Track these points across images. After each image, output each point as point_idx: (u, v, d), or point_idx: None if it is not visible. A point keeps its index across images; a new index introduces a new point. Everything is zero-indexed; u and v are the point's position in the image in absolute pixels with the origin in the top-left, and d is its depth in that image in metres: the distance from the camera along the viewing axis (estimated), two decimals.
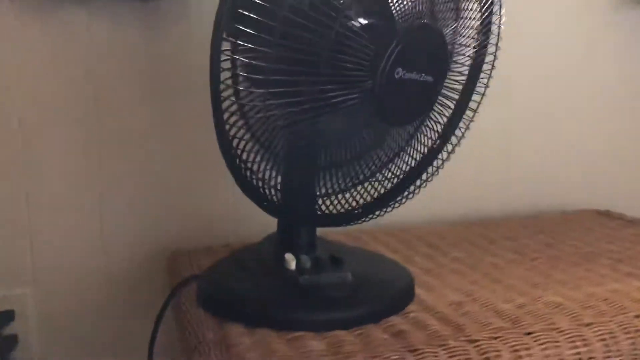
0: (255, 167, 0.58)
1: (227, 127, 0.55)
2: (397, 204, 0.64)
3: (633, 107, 1.10)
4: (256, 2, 0.49)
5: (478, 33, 0.62)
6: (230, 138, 0.55)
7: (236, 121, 0.57)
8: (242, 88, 0.55)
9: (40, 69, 0.83)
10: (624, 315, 0.61)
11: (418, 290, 0.68)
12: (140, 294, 0.90)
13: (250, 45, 0.50)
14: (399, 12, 0.53)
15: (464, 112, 0.66)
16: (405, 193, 0.64)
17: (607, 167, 1.11)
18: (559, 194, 1.09)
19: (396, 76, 0.50)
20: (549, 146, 1.07)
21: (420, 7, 0.55)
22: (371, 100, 0.50)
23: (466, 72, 0.58)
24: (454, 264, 0.79)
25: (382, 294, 0.64)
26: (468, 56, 0.62)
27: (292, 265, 0.64)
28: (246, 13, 0.49)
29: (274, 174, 0.61)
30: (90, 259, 0.88)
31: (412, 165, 0.67)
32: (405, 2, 0.52)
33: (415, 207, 0.93)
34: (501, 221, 1.01)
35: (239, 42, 0.51)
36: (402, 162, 0.66)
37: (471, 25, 0.55)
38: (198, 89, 0.89)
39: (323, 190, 0.66)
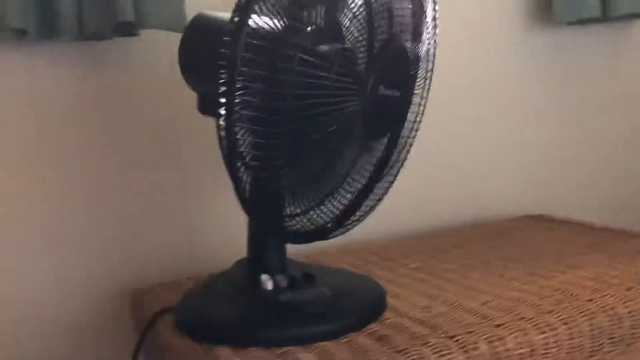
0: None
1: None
2: (364, 215, 0.67)
3: (552, 117, 1.21)
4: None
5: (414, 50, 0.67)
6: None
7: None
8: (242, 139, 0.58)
9: None
10: (578, 300, 0.67)
11: (388, 299, 0.71)
12: (104, 336, 0.88)
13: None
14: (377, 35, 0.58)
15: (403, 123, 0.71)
16: (370, 202, 0.67)
17: (534, 174, 1.20)
18: (492, 203, 1.17)
19: (379, 92, 0.54)
20: (480, 158, 1.15)
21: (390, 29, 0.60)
22: (360, 118, 0.55)
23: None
24: (414, 273, 0.83)
25: (358, 304, 0.66)
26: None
27: (269, 285, 0.66)
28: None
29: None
30: (47, 307, 0.85)
31: (367, 175, 0.70)
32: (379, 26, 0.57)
33: (366, 225, 0.98)
34: (444, 232, 1.07)
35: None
36: (357, 175, 0.70)
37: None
38: (148, 126, 0.90)
39: (290, 211, 0.69)
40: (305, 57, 0.56)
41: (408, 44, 0.59)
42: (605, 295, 0.68)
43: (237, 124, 0.59)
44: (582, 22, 1.16)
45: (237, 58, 0.56)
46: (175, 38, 0.70)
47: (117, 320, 0.89)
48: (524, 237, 0.98)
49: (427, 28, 0.61)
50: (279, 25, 0.57)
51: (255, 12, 0.57)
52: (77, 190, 0.86)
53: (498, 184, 1.17)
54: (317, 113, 0.59)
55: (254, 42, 0.56)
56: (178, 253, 0.93)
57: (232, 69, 0.56)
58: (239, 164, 0.60)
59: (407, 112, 0.59)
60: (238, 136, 0.60)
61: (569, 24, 1.16)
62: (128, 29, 0.83)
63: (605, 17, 1.12)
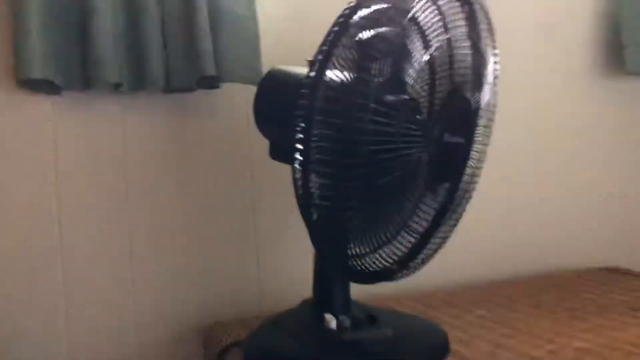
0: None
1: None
2: (427, 258, 0.69)
3: (625, 168, 1.18)
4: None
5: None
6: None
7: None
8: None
9: (78, 161, 0.89)
10: None
11: (452, 345, 0.72)
12: None
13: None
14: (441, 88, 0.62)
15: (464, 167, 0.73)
16: (433, 246, 0.69)
17: (612, 225, 1.17)
18: (564, 255, 1.14)
19: (444, 140, 0.58)
20: (551, 210, 1.14)
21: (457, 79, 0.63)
22: (426, 164, 0.58)
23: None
24: (480, 320, 0.83)
25: (420, 347, 0.67)
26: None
27: (333, 324, 0.68)
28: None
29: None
30: (123, 337, 0.91)
31: (430, 219, 0.72)
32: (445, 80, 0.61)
33: (433, 273, 0.98)
34: (514, 281, 1.05)
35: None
36: (421, 218, 0.72)
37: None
38: (225, 172, 0.96)
39: (356, 251, 0.71)
40: (376, 106, 0.60)
41: (469, 94, 0.62)
42: None
43: (311, 169, 0.63)
44: None
45: (314, 108, 0.60)
46: (253, 90, 0.76)
47: (189, 354, 0.93)
48: (597, 288, 0.96)
49: (488, 79, 0.64)
50: (349, 77, 0.62)
51: (329, 67, 0.62)
52: (158, 231, 0.93)
53: (574, 234, 1.14)
54: (385, 159, 0.62)
55: (329, 93, 0.61)
56: (249, 293, 0.97)
57: (309, 118, 0.60)
58: (311, 207, 0.63)
59: (469, 158, 0.61)
60: (311, 179, 0.64)
61: None
62: (210, 82, 0.90)
63: None
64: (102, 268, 0.90)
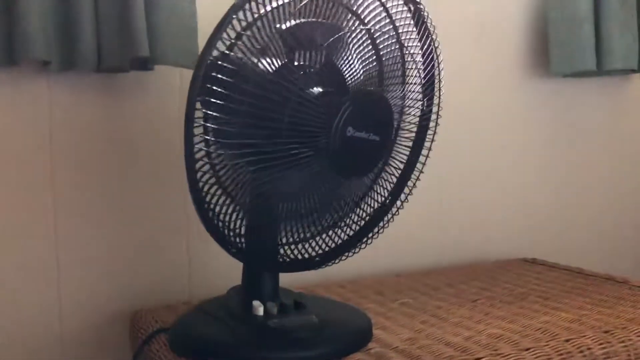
0: (224, 218, 0.63)
1: (201, 184, 0.62)
2: (352, 254, 0.71)
3: (549, 164, 1.24)
4: (224, 79, 0.57)
5: (422, 99, 0.71)
6: (203, 193, 0.61)
7: (209, 178, 0.63)
8: (212, 151, 0.62)
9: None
10: (556, 340, 0.69)
11: (374, 331, 0.74)
12: (104, 354, 0.90)
13: (218, 115, 0.57)
14: (351, 81, 0.62)
15: (412, 171, 0.75)
16: (361, 244, 0.71)
17: (528, 219, 1.23)
18: (488, 245, 1.19)
19: (347, 134, 0.59)
20: (477, 203, 1.19)
21: (370, 77, 0.64)
22: (325, 154, 0.58)
23: (414, 134, 0.67)
24: (403, 308, 0.86)
25: (345, 334, 0.69)
26: (414, 121, 0.72)
27: (260, 311, 0.69)
28: (215, 88, 0.57)
29: (239, 223, 0.67)
30: (46, 326, 0.89)
31: (367, 219, 0.74)
32: (355, 73, 0.62)
33: (362, 261, 1.01)
34: (439, 270, 1.10)
35: (208, 111, 0.58)
36: (357, 216, 0.74)
37: (416, 93, 0.65)
38: (155, 157, 0.95)
39: (285, 240, 0.72)
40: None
41: (393, 94, 0.63)
42: (584, 336, 0.70)
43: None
44: (579, 75, 1.20)
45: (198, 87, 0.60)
46: (188, 73, 0.75)
47: (117, 340, 0.91)
48: (514, 278, 1.01)
49: (414, 78, 0.65)
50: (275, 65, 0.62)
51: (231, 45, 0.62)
52: (86, 214, 0.91)
53: (496, 227, 1.19)
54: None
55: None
56: (178, 279, 0.96)
57: (192, 95, 0.60)
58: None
59: (387, 156, 0.63)
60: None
61: (565, 76, 1.21)
62: (143, 64, 0.89)
63: (601, 71, 1.17)
64: (25, 252, 0.87)
